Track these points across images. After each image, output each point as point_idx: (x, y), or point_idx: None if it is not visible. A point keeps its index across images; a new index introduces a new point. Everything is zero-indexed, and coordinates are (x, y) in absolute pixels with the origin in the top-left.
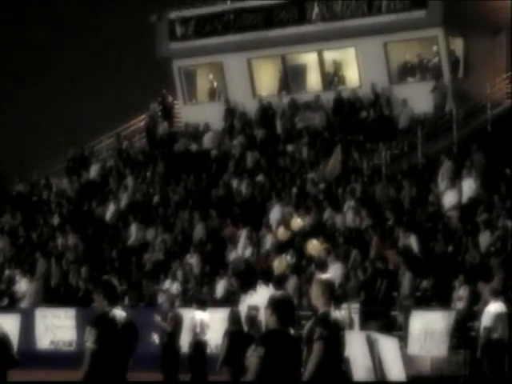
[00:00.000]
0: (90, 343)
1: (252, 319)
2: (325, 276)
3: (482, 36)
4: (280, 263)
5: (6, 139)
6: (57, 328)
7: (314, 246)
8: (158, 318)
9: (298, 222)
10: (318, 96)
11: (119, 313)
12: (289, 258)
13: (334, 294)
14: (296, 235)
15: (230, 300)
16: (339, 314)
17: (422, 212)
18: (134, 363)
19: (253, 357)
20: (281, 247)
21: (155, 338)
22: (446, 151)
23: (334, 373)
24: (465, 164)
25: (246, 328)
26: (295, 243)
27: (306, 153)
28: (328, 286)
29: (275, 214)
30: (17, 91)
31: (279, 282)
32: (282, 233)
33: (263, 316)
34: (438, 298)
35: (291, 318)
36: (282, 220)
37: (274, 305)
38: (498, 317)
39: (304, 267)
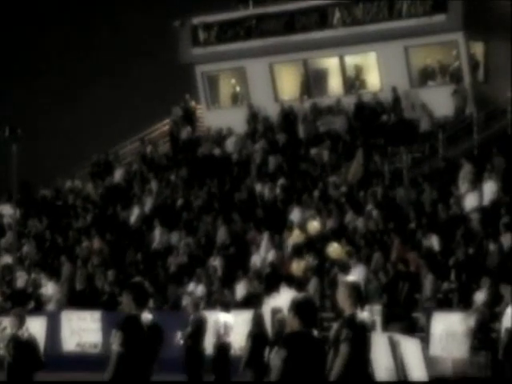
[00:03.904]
0: (116, 346)
1: (281, 322)
2: (351, 278)
3: (503, 40)
4: (298, 266)
5: (30, 145)
6: (82, 331)
7: (334, 250)
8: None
9: (314, 225)
10: (339, 100)
11: (146, 316)
12: (310, 260)
13: (361, 297)
14: (313, 238)
15: (251, 302)
16: (365, 315)
17: (444, 215)
18: (158, 365)
19: (276, 359)
20: (298, 250)
21: (180, 340)
22: (466, 154)
23: (361, 374)
24: (485, 167)
25: (274, 331)
26: (316, 246)
27: (328, 157)
28: (354, 288)
29: (296, 217)
30: (39, 96)
31: (301, 284)
32: (296, 235)
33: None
34: (459, 300)
35: (313, 320)
36: (299, 225)
37: (297, 307)
38: None
39: (326, 270)
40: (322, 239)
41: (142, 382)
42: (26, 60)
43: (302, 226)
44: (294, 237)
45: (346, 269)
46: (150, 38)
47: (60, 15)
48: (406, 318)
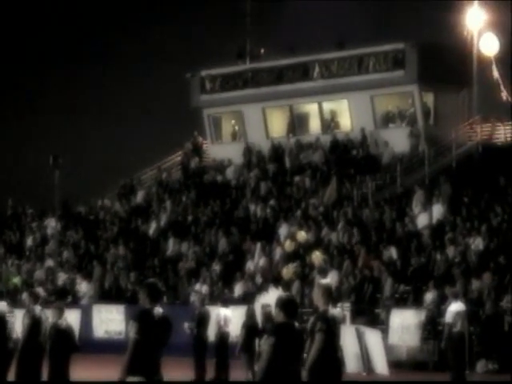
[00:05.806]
0: (133, 334)
1: (268, 315)
2: (324, 281)
3: (449, 91)
4: (287, 271)
5: (69, 169)
6: (110, 321)
7: (317, 256)
8: (186, 326)
9: (302, 235)
10: (318, 138)
11: (157, 309)
12: (294, 266)
13: (332, 296)
14: (301, 247)
15: (246, 299)
16: (336, 311)
17: (401, 231)
18: (170, 350)
19: (266, 345)
20: (288, 257)
21: (187, 329)
22: (419, 183)
23: (332, 358)
24: (434, 193)
25: (263, 322)
26: (300, 254)
27: (309, 183)
28: (327, 289)
29: (283, 231)
30: (79, 132)
31: (287, 285)
32: (288, 245)
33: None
34: (412, 299)
35: (295, 314)
36: (289, 236)
37: (281, 304)
38: (458, 314)
39: (307, 274)
40: (305, 248)
41: (153, 363)
42: (69, 99)
43: (292, 237)
44: (286, 246)
45: (324, 272)
46: (167, 86)
47: (102, 56)
48: (370, 313)
